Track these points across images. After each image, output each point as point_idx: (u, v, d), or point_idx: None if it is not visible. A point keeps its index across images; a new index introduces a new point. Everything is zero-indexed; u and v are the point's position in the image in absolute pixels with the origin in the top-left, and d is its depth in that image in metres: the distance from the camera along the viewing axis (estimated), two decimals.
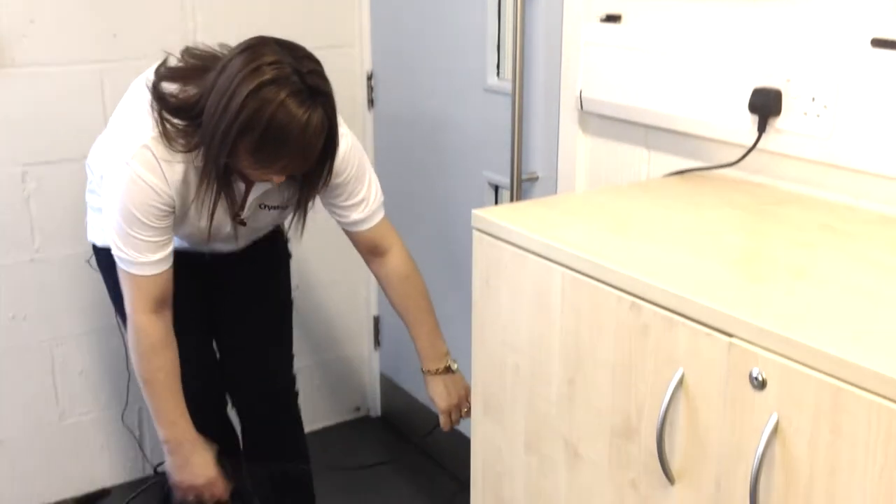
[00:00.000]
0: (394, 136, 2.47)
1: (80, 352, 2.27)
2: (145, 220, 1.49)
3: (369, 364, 2.75)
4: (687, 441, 1.03)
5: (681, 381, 1.02)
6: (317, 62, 1.43)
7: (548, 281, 1.19)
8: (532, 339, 1.24)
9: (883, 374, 0.82)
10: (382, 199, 1.71)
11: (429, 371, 1.77)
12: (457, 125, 2.20)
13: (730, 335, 0.95)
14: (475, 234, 1.31)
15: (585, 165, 1.78)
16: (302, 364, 2.63)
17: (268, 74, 1.36)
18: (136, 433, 2.40)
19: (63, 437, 2.32)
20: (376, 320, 2.71)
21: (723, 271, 1.07)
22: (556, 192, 1.86)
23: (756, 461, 0.92)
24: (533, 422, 1.27)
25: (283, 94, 1.35)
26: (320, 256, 2.47)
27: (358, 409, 2.77)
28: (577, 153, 1.79)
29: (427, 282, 2.50)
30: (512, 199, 1.93)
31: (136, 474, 2.42)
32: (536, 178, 1.95)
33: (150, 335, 1.58)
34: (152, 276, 1.54)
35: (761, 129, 1.39)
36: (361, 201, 1.67)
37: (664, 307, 1.03)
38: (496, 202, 2.11)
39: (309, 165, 1.46)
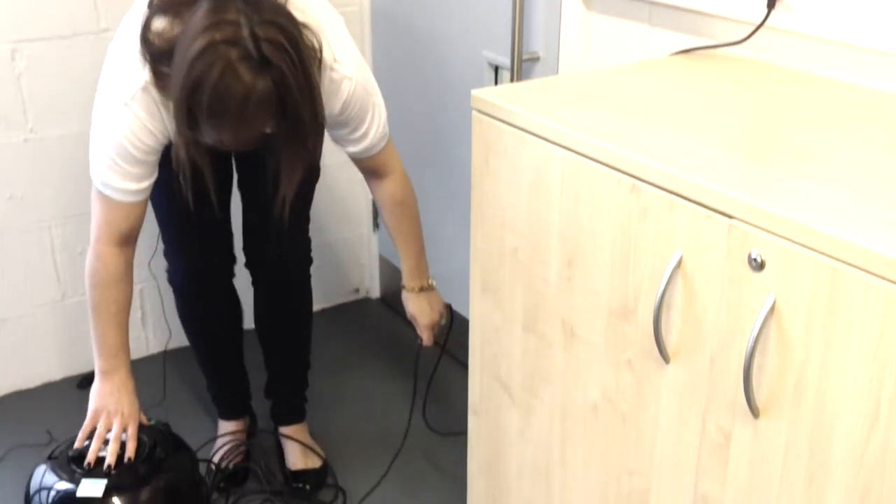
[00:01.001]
0: (392, 13, 2.41)
1: (79, 231, 2.27)
2: (138, 156, 1.49)
3: (368, 246, 2.76)
4: (683, 322, 1.04)
5: (679, 263, 1.02)
6: (283, 28, 1.34)
7: (548, 163, 1.18)
8: (531, 221, 1.24)
9: (882, 255, 0.82)
10: (386, 131, 1.68)
11: (412, 288, 1.82)
12: (456, 2, 2.14)
13: (730, 217, 0.95)
14: (474, 114, 1.29)
15: (588, 45, 1.74)
16: None
17: (220, 34, 1.29)
18: (139, 312, 2.43)
19: (66, 317, 2.35)
20: (374, 202, 2.70)
21: (725, 153, 1.06)
22: (557, 73, 1.83)
23: (751, 341, 0.93)
24: (531, 302, 1.28)
25: (231, 56, 1.28)
26: None
27: (357, 290, 2.80)
28: (580, 32, 1.74)
29: (426, 164, 2.49)
30: (512, 80, 1.90)
31: (139, 353, 2.46)
32: (538, 58, 1.90)
33: (110, 267, 1.57)
34: (128, 203, 1.53)
35: (770, 5, 1.35)
36: (361, 137, 1.65)
37: (665, 189, 1.02)
38: (496, 83, 2.07)
39: (254, 141, 1.40)
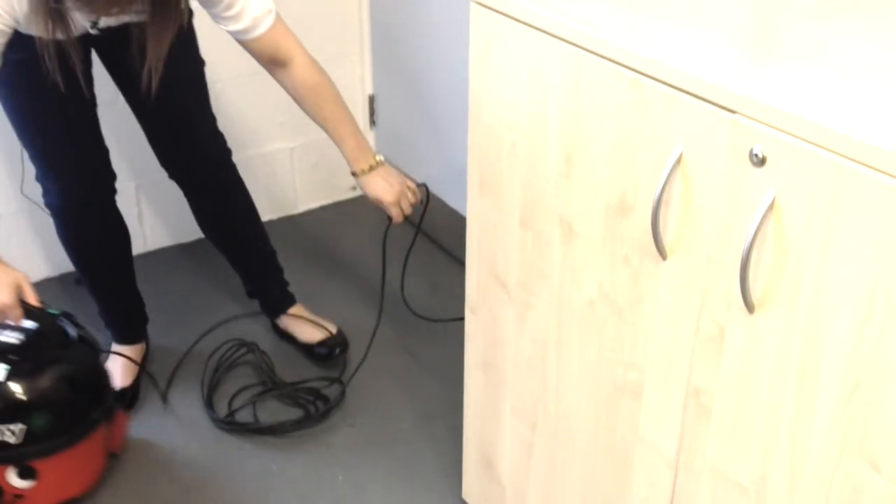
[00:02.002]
0: None
1: None
2: None
3: None
4: (681, 218, 1.04)
5: (679, 159, 1.01)
6: None
7: (547, 56, 1.15)
8: (530, 117, 1.22)
9: (885, 150, 0.81)
10: (269, 6, 1.62)
11: (363, 171, 1.78)
12: None
13: (732, 111, 0.93)
14: (472, 6, 1.26)
15: None
16: (297, 143, 2.63)
17: None
18: (136, 210, 2.43)
19: None
20: (371, 99, 2.67)
21: (730, 45, 1.04)
22: None
23: (749, 237, 0.93)
24: (528, 199, 1.27)
25: None
26: (312, 30, 2.40)
27: (354, 188, 2.78)
28: None
29: (422, 58, 2.44)
30: None
31: (136, 250, 2.46)
32: None
33: None
34: None
35: None
36: (239, 14, 1.59)
37: (666, 83, 1.00)
38: None
39: (123, 6, 1.38)
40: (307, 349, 2.10)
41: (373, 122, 2.70)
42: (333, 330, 2.11)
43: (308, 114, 1.77)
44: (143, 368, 2.04)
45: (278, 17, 1.65)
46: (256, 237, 2.07)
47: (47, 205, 1.86)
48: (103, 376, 1.75)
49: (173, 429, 1.93)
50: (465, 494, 1.69)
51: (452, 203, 2.42)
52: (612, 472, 1.28)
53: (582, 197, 1.17)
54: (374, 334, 1.98)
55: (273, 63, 1.70)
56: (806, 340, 0.93)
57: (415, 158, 2.57)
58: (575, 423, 1.32)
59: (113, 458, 1.81)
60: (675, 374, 1.11)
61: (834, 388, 0.91)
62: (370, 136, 2.72)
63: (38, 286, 2.32)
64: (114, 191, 1.89)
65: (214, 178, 1.97)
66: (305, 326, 2.10)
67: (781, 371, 0.97)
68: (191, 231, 2.54)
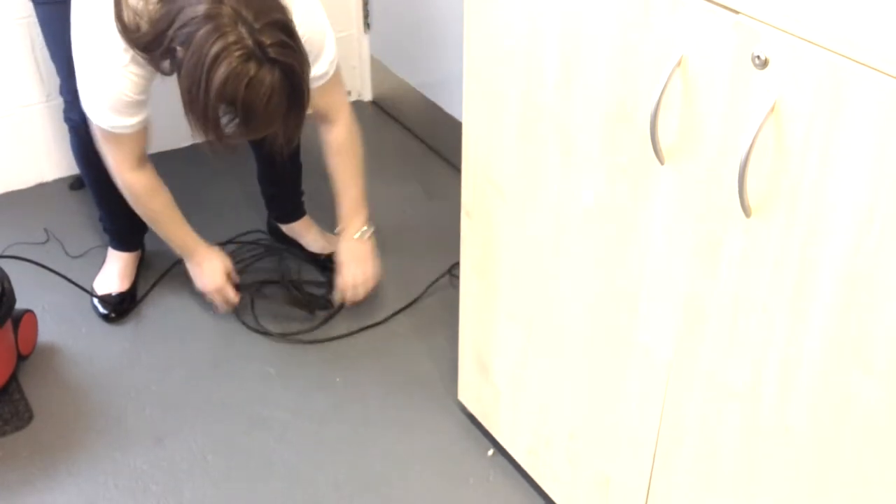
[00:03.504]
0: None
1: None
2: (141, 98, 1.62)
3: (359, 47, 2.69)
4: (681, 124, 1.03)
5: (680, 62, 1.00)
6: (277, 23, 1.45)
7: None
8: (529, 24, 1.19)
9: (888, 51, 0.79)
10: (325, 70, 1.70)
11: (341, 231, 1.90)
12: None
13: (735, 11, 0.91)
14: None
15: None
16: None
17: (235, 57, 1.40)
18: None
19: (52, 118, 2.31)
20: (365, 0, 2.61)
21: None
22: None
23: (749, 141, 0.92)
24: (526, 106, 1.26)
25: (251, 71, 1.41)
26: None
27: (349, 92, 2.75)
28: None
29: None
30: None
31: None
32: None
33: (139, 190, 1.77)
34: (130, 133, 1.66)
35: None
36: (318, 54, 1.67)
37: None
38: None
39: (277, 126, 1.52)
40: (314, 258, 2.14)
41: (367, 26, 2.65)
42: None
43: (326, 163, 1.87)
44: (139, 274, 2.07)
45: (338, 70, 1.75)
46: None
47: (67, 119, 1.87)
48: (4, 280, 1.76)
49: (171, 331, 1.95)
50: (461, 396, 1.73)
51: (448, 108, 2.40)
52: (605, 376, 1.30)
53: (581, 104, 1.16)
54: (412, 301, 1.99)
55: (320, 119, 1.81)
56: (803, 246, 0.93)
57: (410, 63, 2.54)
58: (570, 327, 1.34)
59: (22, 359, 1.84)
60: (671, 281, 1.12)
61: (830, 293, 0.92)
62: (364, 41, 2.68)
63: (36, 189, 2.36)
64: None
65: None
66: (318, 238, 2.15)
67: (778, 277, 0.97)
68: (181, 138, 2.53)
